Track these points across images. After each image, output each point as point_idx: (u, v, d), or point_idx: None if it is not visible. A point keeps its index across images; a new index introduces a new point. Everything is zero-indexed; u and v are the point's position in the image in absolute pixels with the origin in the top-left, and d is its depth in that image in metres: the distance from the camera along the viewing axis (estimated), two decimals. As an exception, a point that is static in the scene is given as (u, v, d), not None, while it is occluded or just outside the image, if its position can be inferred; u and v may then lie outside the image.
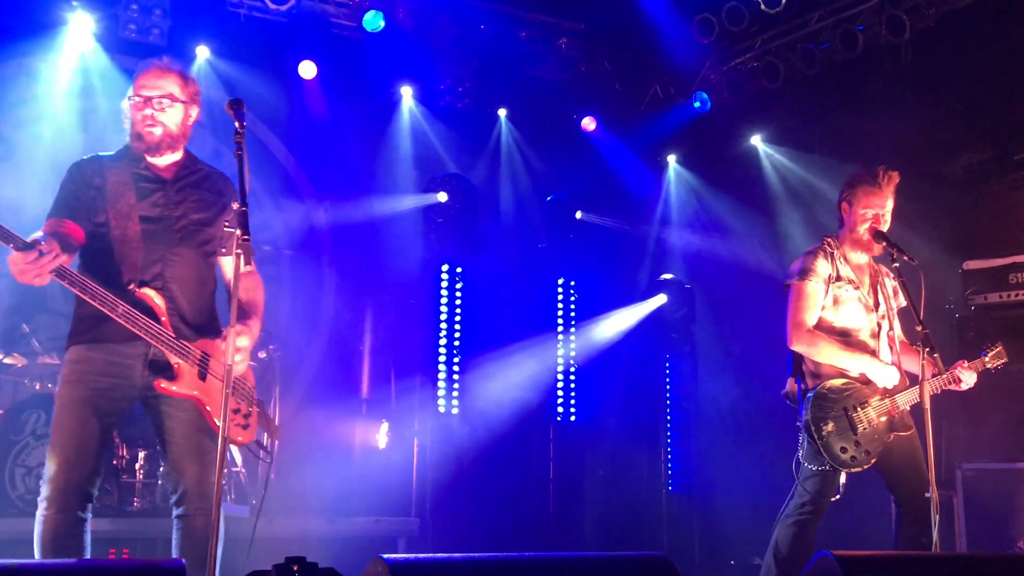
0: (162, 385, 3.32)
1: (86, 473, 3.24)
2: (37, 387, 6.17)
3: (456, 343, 8.11)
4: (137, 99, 3.49)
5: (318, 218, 7.74)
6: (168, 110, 3.49)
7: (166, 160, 3.55)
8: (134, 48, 7.10)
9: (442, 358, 8.03)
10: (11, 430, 5.66)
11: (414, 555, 2.48)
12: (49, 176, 6.92)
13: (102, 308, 3.21)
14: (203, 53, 7.22)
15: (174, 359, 3.33)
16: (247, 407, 3.57)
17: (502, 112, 8.57)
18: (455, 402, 7.99)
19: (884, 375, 4.20)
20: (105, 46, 7.06)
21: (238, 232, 3.05)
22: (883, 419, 4.18)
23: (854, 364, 4.20)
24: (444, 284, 8.22)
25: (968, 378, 4.33)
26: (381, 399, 7.93)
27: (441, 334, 8.08)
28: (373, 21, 7.26)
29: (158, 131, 3.48)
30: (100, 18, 6.99)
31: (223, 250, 3.61)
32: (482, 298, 8.25)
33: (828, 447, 4.08)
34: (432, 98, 8.24)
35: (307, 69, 7.46)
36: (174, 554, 3.43)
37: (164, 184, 3.52)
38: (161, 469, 6.15)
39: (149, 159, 3.53)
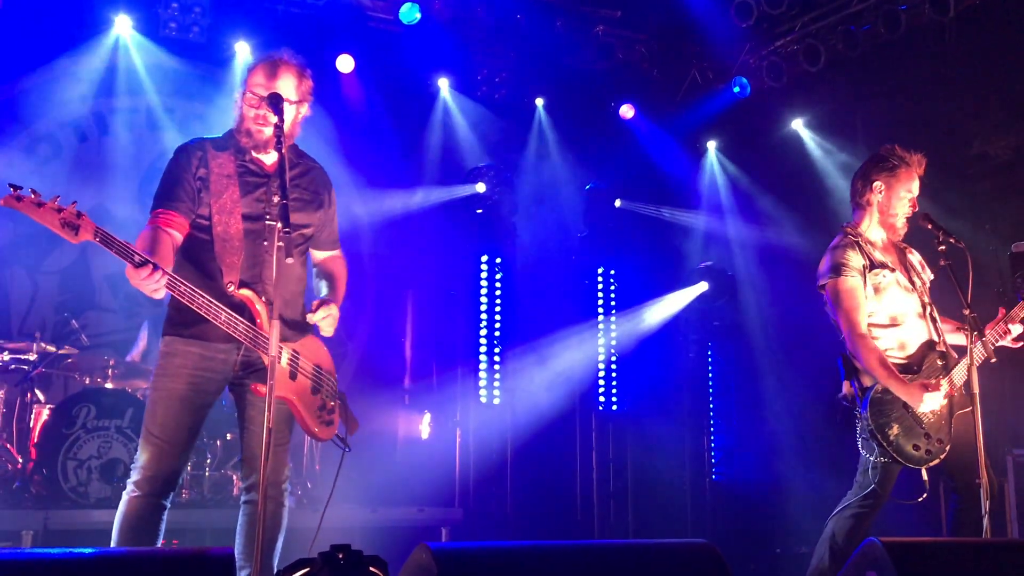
0: (260, 389, 3.31)
1: (176, 464, 3.33)
2: (87, 381, 6.28)
3: (497, 333, 8.13)
4: (250, 96, 3.43)
5: (358, 210, 7.79)
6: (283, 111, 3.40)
7: (272, 157, 3.52)
8: (175, 46, 7.20)
9: (483, 348, 8.06)
10: (62, 424, 5.77)
11: (458, 542, 2.50)
12: (93, 173, 7.10)
13: (207, 316, 3.24)
14: (242, 49, 7.29)
15: (268, 361, 3.33)
16: (332, 402, 3.59)
17: (539, 101, 8.55)
18: (496, 392, 8.01)
19: (924, 402, 3.99)
20: (146, 45, 7.16)
21: (279, 225, 3.08)
22: (944, 402, 4.07)
23: (893, 386, 4.00)
24: (484, 274, 8.24)
25: (1016, 328, 4.14)
26: (423, 390, 7.99)
27: (482, 324, 8.11)
28: (409, 13, 7.28)
29: (268, 131, 3.43)
30: (140, 18, 7.09)
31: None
32: (522, 288, 8.26)
33: (900, 450, 3.95)
34: (469, 89, 8.25)
35: (345, 63, 7.51)
36: (238, 538, 3.50)
37: (268, 179, 3.49)
38: (208, 460, 6.25)
39: (255, 154, 3.52)
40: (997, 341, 4.14)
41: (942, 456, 4.00)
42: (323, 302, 3.55)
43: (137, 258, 3.06)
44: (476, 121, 8.27)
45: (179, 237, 3.38)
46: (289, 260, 3.11)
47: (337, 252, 3.81)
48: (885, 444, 3.95)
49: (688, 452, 8.61)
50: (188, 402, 3.33)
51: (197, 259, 3.39)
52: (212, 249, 3.36)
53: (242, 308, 3.32)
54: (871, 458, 4.03)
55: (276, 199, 3.37)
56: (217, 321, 3.24)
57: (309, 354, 3.52)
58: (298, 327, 3.52)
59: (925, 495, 4.01)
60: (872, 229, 4.29)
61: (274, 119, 3.33)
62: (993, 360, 4.04)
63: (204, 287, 3.26)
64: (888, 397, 4.03)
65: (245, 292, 3.34)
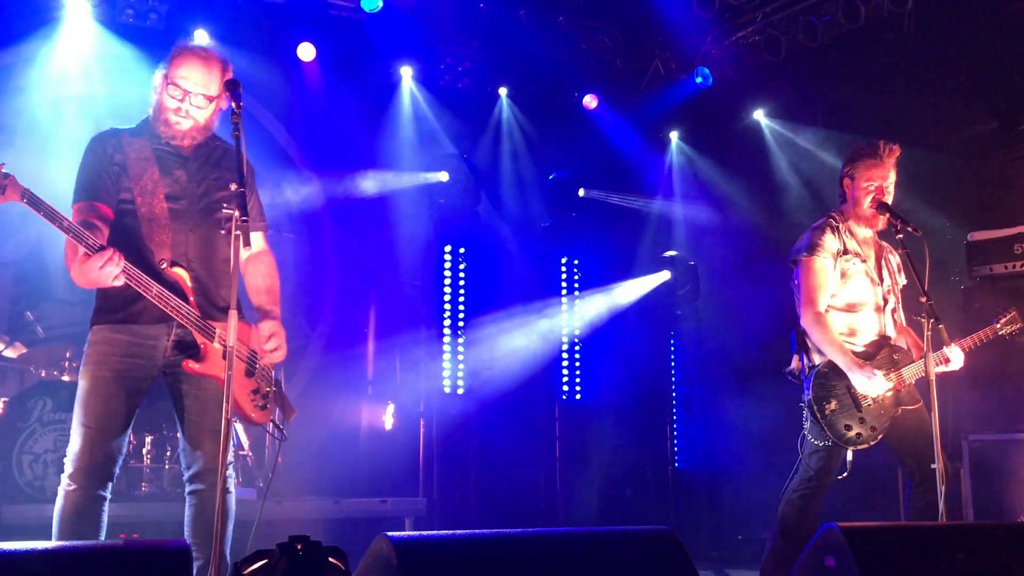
0: (191, 365, 3.33)
1: (109, 452, 3.28)
2: (43, 374, 6.18)
3: (460, 323, 8.12)
4: (174, 88, 3.40)
5: (320, 201, 7.73)
6: (203, 108, 3.44)
7: (187, 142, 3.52)
8: (132, 33, 7.08)
9: (446, 339, 8.04)
10: (17, 417, 5.69)
11: (418, 532, 2.49)
12: (49, 163, 6.96)
13: (137, 288, 3.22)
14: (201, 37, 7.16)
15: (201, 339, 3.35)
16: (266, 387, 3.58)
17: (503, 91, 8.53)
18: (460, 382, 8.01)
19: (868, 386, 4.11)
20: (102, 32, 7.03)
21: (236, 213, 3.05)
22: (889, 394, 4.16)
23: (844, 365, 4.12)
24: (447, 264, 8.22)
25: (956, 357, 4.24)
26: (386, 380, 7.96)
27: (445, 315, 8.09)
28: (371, 1, 7.21)
29: (187, 124, 3.44)
30: (96, 3, 6.95)
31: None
32: (486, 278, 8.25)
33: (832, 426, 4.06)
34: (432, 78, 8.20)
35: (306, 51, 7.43)
36: (186, 529, 3.46)
37: (186, 161, 3.50)
38: (168, 453, 6.19)
39: (172, 142, 3.50)
40: (937, 365, 4.20)
41: (871, 443, 4.11)
42: (272, 333, 3.52)
43: (91, 241, 3.05)
44: (439, 110, 8.22)
45: (107, 229, 3.36)
46: (247, 249, 3.08)
47: (261, 238, 3.76)
48: (819, 417, 4.06)
49: (651, 440, 8.66)
50: (118, 388, 3.30)
51: (126, 241, 3.35)
52: (139, 230, 3.36)
53: (174, 286, 3.32)
54: (816, 442, 4.12)
55: (199, 177, 3.47)
56: (148, 295, 3.23)
57: (244, 337, 3.50)
58: (226, 309, 3.49)
59: (846, 474, 4.14)
60: (851, 219, 4.39)
61: (196, 113, 3.42)
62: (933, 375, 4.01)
63: (139, 267, 3.24)
64: (833, 374, 4.14)
65: (177, 270, 3.34)
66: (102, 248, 3.07)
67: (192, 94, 3.40)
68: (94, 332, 3.39)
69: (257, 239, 3.74)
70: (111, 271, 3.10)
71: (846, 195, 4.40)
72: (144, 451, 6.06)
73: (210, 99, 3.44)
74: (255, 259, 3.73)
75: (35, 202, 3.06)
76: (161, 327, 3.36)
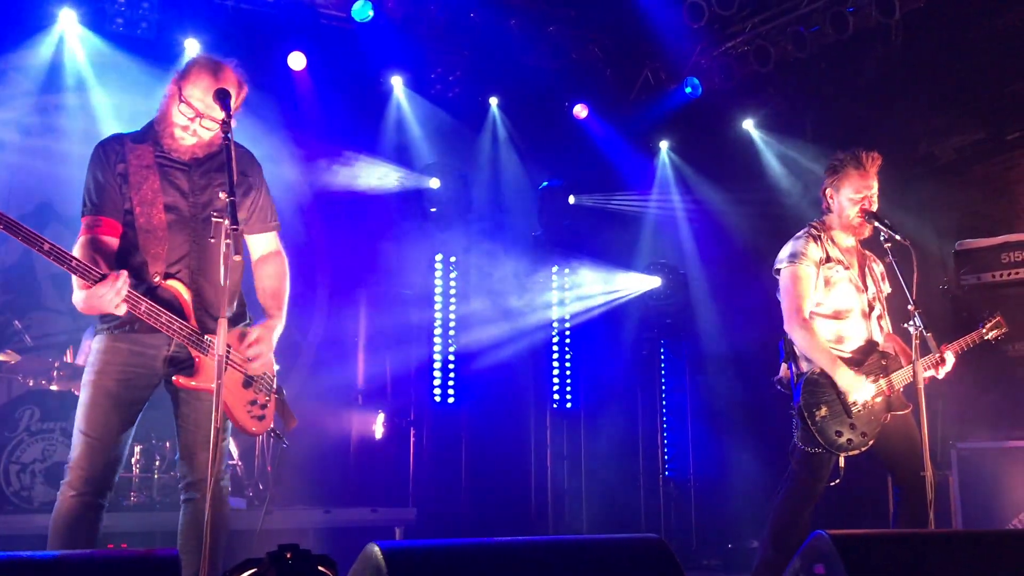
0: (181, 381, 3.31)
1: (108, 461, 3.27)
2: (31, 383, 6.15)
3: (451, 332, 8.12)
4: (186, 107, 3.33)
5: (311, 209, 7.72)
6: (212, 129, 3.38)
7: (188, 156, 3.46)
8: (122, 42, 7.07)
9: (437, 348, 8.03)
10: (5, 427, 5.66)
11: (408, 540, 2.49)
12: (38, 171, 6.95)
13: (156, 325, 3.23)
14: (192, 46, 7.17)
15: (195, 353, 3.32)
16: (265, 397, 3.55)
17: (493, 100, 8.54)
18: (451, 391, 8.00)
19: (857, 390, 4.14)
20: (92, 40, 7.02)
21: (226, 222, 3.04)
22: (878, 400, 4.18)
23: (831, 369, 4.15)
24: (438, 273, 8.22)
25: (948, 360, 4.27)
26: (377, 389, 7.94)
27: (436, 324, 8.08)
28: (362, 11, 7.22)
29: (192, 141, 3.40)
30: (86, 12, 6.95)
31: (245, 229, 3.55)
32: (476, 286, 8.25)
33: (823, 432, 4.08)
34: (423, 87, 8.21)
35: (296, 60, 7.44)
36: (179, 538, 3.45)
37: (188, 168, 3.45)
38: (157, 463, 6.16)
39: (170, 154, 3.45)
40: (926, 370, 4.22)
41: (863, 449, 4.13)
42: (258, 339, 3.45)
43: (96, 274, 3.05)
44: (430, 120, 8.23)
45: (115, 243, 3.34)
46: (237, 257, 3.07)
47: (274, 238, 3.72)
48: (810, 424, 4.08)
49: (641, 449, 8.67)
50: (118, 397, 3.29)
51: (121, 253, 3.34)
52: (136, 241, 3.33)
53: (169, 301, 3.30)
54: (807, 449, 4.13)
55: (203, 184, 3.41)
56: (137, 311, 3.19)
57: (242, 347, 3.47)
58: (230, 319, 3.44)
59: (838, 480, 4.15)
60: (835, 230, 4.41)
61: (204, 133, 3.37)
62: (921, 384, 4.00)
63: (135, 280, 3.22)
64: (823, 381, 4.16)
65: (172, 283, 3.32)
66: (103, 277, 3.05)
67: (204, 116, 3.35)
68: (96, 341, 3.38)
69: (269, 239, 3.70)
70: (112, 300, 3.06)
71: (828, 206, 4.42)
72: (133, 461, 6.03)
73: (216, 122, 3.36)
74: (265, 260, 3.69)
75: (12, 227, 2.96)
76: (161, 336, 3.32)
